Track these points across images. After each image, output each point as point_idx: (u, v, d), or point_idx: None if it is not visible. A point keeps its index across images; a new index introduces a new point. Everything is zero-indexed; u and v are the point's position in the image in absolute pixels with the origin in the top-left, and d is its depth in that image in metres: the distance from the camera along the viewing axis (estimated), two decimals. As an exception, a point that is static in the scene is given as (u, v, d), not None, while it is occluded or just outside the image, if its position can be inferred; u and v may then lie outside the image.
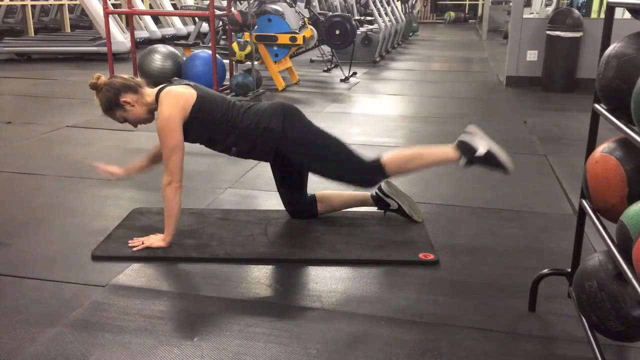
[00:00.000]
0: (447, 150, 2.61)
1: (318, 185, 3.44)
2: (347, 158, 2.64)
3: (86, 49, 9.43)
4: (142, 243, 2.58)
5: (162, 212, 2.94)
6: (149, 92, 2.61)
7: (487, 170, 2.58)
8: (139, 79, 2.66)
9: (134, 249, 2.55)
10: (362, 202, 2.90)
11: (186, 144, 2.57)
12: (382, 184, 2.84)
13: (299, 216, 2.88)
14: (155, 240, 2.59)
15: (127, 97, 2.56)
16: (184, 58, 6.55)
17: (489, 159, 2.54)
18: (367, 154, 2.67)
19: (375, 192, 2.86)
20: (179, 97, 2.53)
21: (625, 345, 1.91)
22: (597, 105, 1.79)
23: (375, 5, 10.16)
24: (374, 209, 2.94)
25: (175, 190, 2.52)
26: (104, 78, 2.58)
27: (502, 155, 2.55)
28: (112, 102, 2.56)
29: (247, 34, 6.40)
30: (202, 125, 2.57)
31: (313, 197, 2.86)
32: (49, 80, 7.54)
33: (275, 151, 2.64)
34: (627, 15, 6.11)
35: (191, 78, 6.05)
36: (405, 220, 2.88)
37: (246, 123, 2.59)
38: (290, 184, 2.85)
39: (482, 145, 2.55)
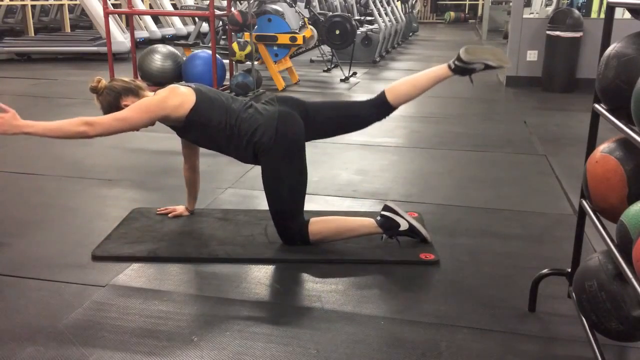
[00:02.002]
0: (370, 227, 2.60)
1: (317, 185, 3.44)
2: (291, 205, 2.57)
3: (86, 49, 9.42)
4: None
5: (162, 213, 2.96)
6: (149, 95, 2.60)
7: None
8: (139, 82, 2.65)
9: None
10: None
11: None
12: (461, 52, 2.59)
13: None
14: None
15: (128, 101, 2.55)
16: (184, 58, 6.55)
17: (410, 233, 2.62)
18: (306, 214, 2.62)
19: (454, 63, 2.62)
20: (179, 95, 2.51)
21: (625, 345, 1.91)
22: (597, 105, 1.79)
23: (375, 5, 10.15)
24: (374, 210, 2.94)
25: (81, 134, 2.38)
26: (104, 81, 2.58)
27: (421, 228, 2.64)
28: (112, 106, 2.55)
29: (247, 34, 6.40)
30: (199, 131, 2.56)
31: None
32: (49, 80, 7.54)
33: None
34: (627, 15, 6.11)
35: (191, 78, 6.06)
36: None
37: (242, 133, 2.53)
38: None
39: (403, 221, 2.60)
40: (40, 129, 2.35)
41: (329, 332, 2.00)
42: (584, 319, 1.82)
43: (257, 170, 3.70)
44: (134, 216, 2.95)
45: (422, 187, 3.47)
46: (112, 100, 2.55)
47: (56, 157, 4.05)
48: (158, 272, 2.42)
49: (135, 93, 2.57)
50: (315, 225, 2.58)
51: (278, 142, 2.50)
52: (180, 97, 2.51)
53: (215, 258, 2.52)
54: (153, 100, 2.49)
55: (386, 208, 2.63)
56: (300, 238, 2.58)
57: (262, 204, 3.21)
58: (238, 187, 3.48)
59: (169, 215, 2.94)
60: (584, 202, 1.87)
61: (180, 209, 2.96)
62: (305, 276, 2.42)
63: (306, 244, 2.59)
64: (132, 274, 2.39)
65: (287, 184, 2.55)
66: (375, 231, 2.60)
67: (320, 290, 2.29)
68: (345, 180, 3.61)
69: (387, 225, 2.58)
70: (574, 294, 1.83)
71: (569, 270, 2.07)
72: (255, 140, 2.51)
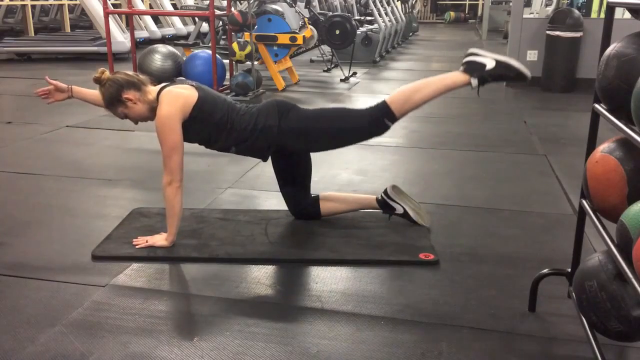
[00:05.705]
0: (455, 75, 2.49)
1: (317, 185, 3.44)
2: (348, 113, 2.73)
3: (86, 49, 9.42)
4: (147, 242, 2.59)
5: (163, 212, 2.94)
6: (152, 90, 2.62)
7: (503, 83, 2.46)
8: (142, 77, 2.66)
9: (137, 246, 2.56)
10: (367, 206, 2.89)
11: (185, 143, 2.58)
12: (388, 188, 2.84)
13: (302, 217, 2.88)
14: (159, 239, 2.60)
15: (130, 94, 2.57)
16: (184, 58, 6.55)
17: (501, 69, 2.40)
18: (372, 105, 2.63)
19: (381, 196, 2.86)
20: (179, 96, 2.54)
21: (625, 345, 1.91)
22: (597, 105, 1.79)
23: (375, 5, 10.16)
24: (373, 210, 2.94)
25: (175, 190, 2.53)
26: (108, 73, 2.59)
27: (513, 61, 2.40)
28: (114, 98, 2.57)
29: (247, 34, 6.40)
30: (201, 126, 2.58)
31: (316, 197, 2.86)
32: (49, 80, 7.53)
33: (275, 149, 2.66)
34: (627, 15, 6.11)
35: (191, 78, 6.05)
36: (406, 221, 2.87)
37: (244, 124, 2.61)
38: (293, 182, 2.84)
39: (489, 60, 2.42)
40: (173, 227, 2.58)
41: (329, 332, 2.00)
42: (584, 319, 1.82)
43: (257, 170, 3.71)
44: (134, 216, 2.95)
45: (422, 187, 3.46)
46: (114, 92, 2.57)
47: (56, 157, 4.05)
48: (158, 272, 2.41)
49: (138, 87, 2.59)
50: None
51: (285, 115, 2.63)
52: (182, 97, 2.55)
53: (215, 258, 2.52)
54: (165, 115, 2.50)
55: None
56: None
57: (262, 204, 3.22)
58: (238, 187, 3.48)
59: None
60: (584, 202, 1.87)
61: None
62: (305, 276, 2.42)
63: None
64: (132, 274, 2.39)
65: (324, 115, 2.73)
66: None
67: (320, 290, 2.29)
68: (345, 180, 3.61)
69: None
70: (574, 294, 1.83)
71: (569, 270, 2.07)
72: (262, 126, 2.59)
